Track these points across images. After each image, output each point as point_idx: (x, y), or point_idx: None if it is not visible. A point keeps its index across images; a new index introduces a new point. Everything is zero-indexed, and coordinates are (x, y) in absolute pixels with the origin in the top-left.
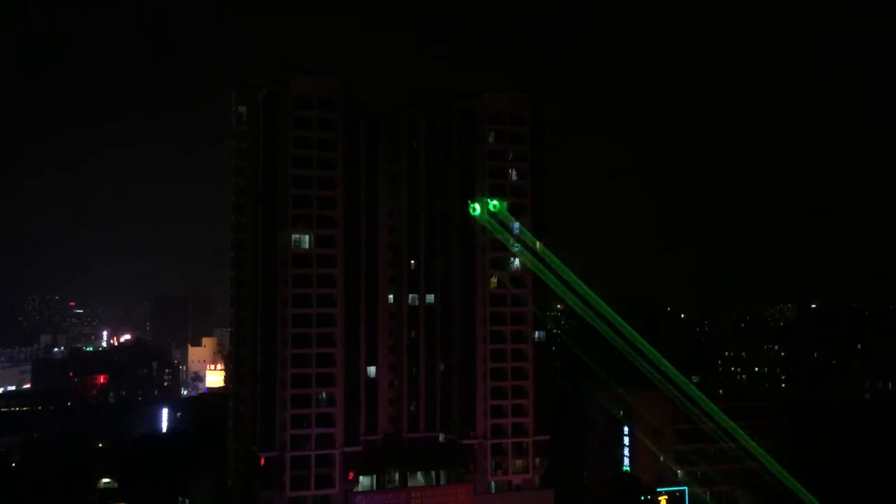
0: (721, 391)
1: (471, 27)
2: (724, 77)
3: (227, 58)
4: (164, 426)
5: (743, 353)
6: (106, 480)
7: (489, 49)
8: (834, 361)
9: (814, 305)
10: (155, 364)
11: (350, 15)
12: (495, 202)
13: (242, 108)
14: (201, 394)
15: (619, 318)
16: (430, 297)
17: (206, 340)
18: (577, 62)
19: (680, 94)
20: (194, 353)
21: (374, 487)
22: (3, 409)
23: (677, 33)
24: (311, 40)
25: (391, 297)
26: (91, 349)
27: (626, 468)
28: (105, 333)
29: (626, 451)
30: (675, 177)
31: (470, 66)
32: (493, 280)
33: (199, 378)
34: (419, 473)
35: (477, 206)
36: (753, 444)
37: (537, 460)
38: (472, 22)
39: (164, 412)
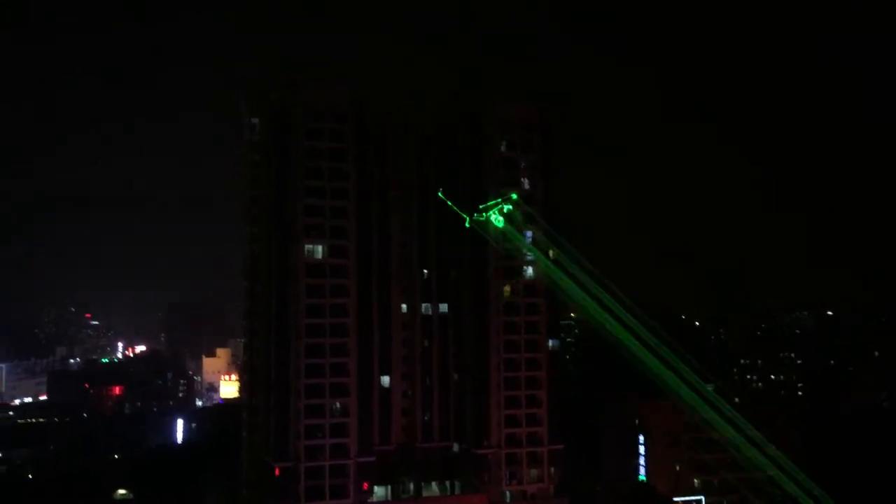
0: (737, 399)
1: (471, 27)
2: (724, 76)
3: (226, 58)
4: (179, 437)
5: (759, 361)
6: (122, 492)
7: (489, 49)
8: (850, 369)
9: (829, 312)
10: (170, 375)
11: (350, 15)
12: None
13: (255, 120)
14: (216, 404)
15: (635, 325)
16: (444, 307)
17: (220, 351)
18: (577, 63)
19: (680, 92)
20: (209, 364)
21: (389, 498)
22: (18, 421)
23: (676, 32)
24: (310, 40)
25: (404, 306)
26: (106, 361)
27: (642, 477)
28: (120, 345)
29: (642, 460)
30: (678, 181)
31: (470, 67)
32: (507, 289)
33: (214, 388)
34: (433, 483)
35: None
36: (771, 452)
37: (552, 469)
38: (472, 22)
39: (179, 423)
